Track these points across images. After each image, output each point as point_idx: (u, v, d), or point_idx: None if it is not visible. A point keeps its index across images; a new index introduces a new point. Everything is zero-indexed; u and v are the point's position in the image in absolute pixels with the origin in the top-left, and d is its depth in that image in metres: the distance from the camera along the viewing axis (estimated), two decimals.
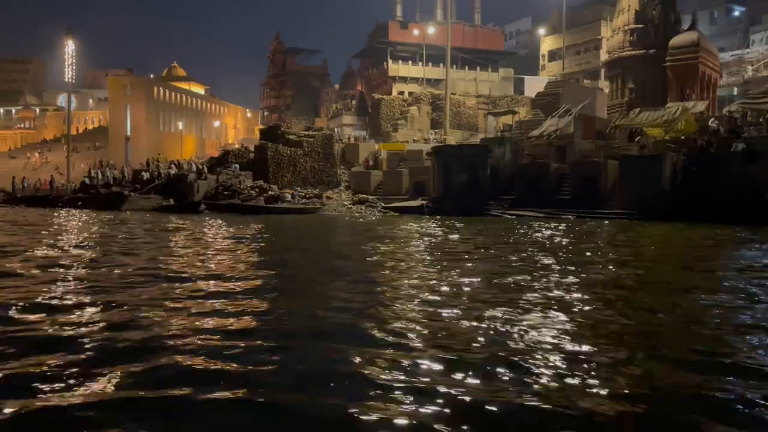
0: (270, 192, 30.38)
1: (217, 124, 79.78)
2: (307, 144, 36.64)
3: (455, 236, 14.03)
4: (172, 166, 35.13)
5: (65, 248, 9.36)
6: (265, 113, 74.84)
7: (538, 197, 26.60)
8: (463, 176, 28.37)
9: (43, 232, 13.39)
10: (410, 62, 52.67)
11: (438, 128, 45.26)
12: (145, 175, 34.94)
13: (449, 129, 41.98)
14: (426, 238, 13.25)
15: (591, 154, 28.83)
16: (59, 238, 11.68)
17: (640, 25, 34.53)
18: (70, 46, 59.93)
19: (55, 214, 24.50)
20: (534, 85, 51.93)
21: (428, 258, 8.82)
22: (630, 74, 34.81)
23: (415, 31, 51.85)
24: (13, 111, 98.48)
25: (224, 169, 33.28)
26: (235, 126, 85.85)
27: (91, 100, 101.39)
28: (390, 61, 52.11)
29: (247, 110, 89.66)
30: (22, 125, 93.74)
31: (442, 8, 55.15)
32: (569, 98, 35.48)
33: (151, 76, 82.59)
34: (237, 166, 34.05)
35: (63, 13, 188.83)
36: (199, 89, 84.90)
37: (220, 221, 20.00)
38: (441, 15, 55.09)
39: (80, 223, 17.66)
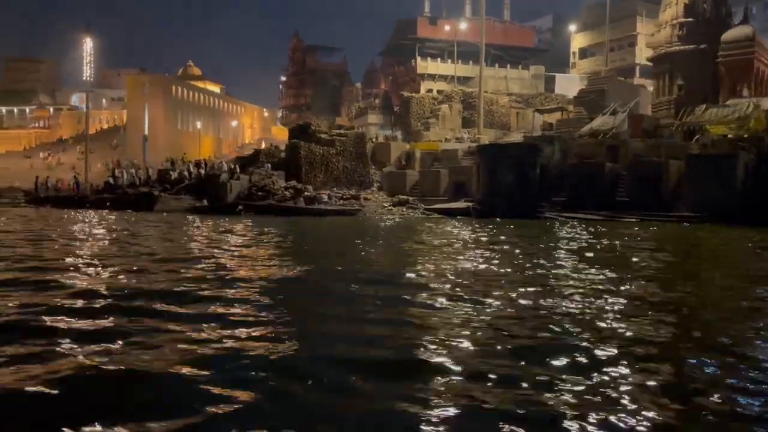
0: (306, 193, 29.10)
1: (234, 123, 78.54)
2: (339, 143, 35.34)
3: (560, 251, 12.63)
4: (203, 165, 33.95)
5: None
6: (284, 112, 73.55)
7: (592, 199, 25.18)
8: (510, 176, 26.91)
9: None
10: (439, 59, 51.20)
11: (469, 127, 43.91)
12: (173, 175, 33.76)
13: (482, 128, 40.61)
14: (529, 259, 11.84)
15: (643, 152, 27.47)
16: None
17: (689, 19, 33.06)
18: (88, 44, 59.05)
19: (96, 216, 23.24)
20: (564, 83, 50.63)
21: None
22: (678, 70, 33.34)
23: (446, 27, 50.34)
24: (27, 110, 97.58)
25: (257, 169, 32.01)
26: (251, 125, 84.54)
27: (104, 100, 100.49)
28: (419, 58, 50.67)
29: (264, 110, 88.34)
30: (37, 125, 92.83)
31: (470, 4, 53.78)
32: (614, 95, 34.10)
33: (165, 75, 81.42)
34: (269, 165, 32.81)
35: (63, 11, 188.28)
36: (214, 88, 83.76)
37: (277, 225, 18.72)
38: (470, 11, 53.68)
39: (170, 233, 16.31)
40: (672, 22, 33.73)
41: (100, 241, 11.28)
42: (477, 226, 19.52)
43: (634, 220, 22.79)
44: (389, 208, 29.10)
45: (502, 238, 14.06)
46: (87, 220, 19.42)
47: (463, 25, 48.93)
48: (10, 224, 16.18)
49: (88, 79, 58.80)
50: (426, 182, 33.21)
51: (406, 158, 38.44)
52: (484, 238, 13.67)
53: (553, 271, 7.37)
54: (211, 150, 68.60)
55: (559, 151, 28.17)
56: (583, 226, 20.34)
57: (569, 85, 49.24)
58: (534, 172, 27.02)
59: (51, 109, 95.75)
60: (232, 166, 32.27)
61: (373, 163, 37.68)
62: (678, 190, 23.97)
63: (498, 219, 23.18)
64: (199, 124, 69.35)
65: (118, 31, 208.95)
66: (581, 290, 5.80)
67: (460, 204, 27.92)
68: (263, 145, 45.60)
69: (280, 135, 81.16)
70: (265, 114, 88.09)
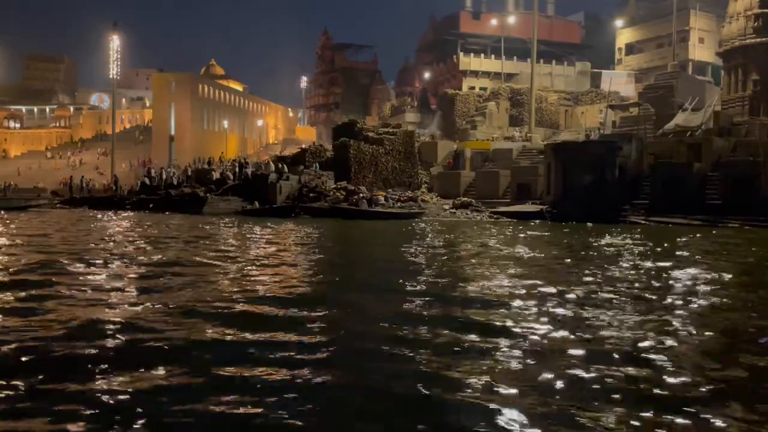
0: (362, 194, 27.30)
1: (260, 123, 76.79)
2: (388, 142, 33.56)
3: None
4: (248, 164, 32.29)
5: None
6: (312, 111, 71.76)
7: (678, 202, 23.20)
8: (587, 177, 24.97)
9: None
10: (482, 55, 49.09)
11: (516, 125, 41.98)
12: (215, 175, 32.08)
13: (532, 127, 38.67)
14: None
15: (727, 152, 25.52)
16: None
17: (765, 10, 30.98)
18: (115, 42, 57.56)
19: (174, 222, 21.46)
20: (611, 80, 48.55)
21: None
22: (753, 64, 31.25)
23: (493, 22, 48.13)
24: (47, 110, 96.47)
25: (306, 169, 30.27)
26: (275, 125, 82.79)
27: (124, 99, 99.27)
28: (461, 54, 48.59)
29: (289, 109, 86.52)
30: (57, 124, 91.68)
31: None
32: (682, 91, 32.05)
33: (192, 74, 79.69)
34: (317, 165, 31.09)
35: (70, 9, 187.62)
36: (238, 87, 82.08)
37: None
38: (512, 5, 51.66)
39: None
40: (745, 13, 31.66)
41: None
42: (578, 234, 17.61)
43: (736, 225, 20.81)
44: (451, 210, 27.23)
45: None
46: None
47: (512, 20, 46.87)
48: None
49: (116, 77, 57.23)
50: (483, 183, 31.39)
51: (454, 158, 36.72)
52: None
53: None
54: (236, 150, 67.04)
55: (635, 150, 26.23)
56: (689, 232, 18.40)
57: (616, 81, 47.20)
58: (612, 173, 25.09)
59: (72, 109, 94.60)
60: (280, 166, 30.50)
61: (420, 163, 35.96)
62: None
63: (589, 224, 21.22)
64: (225, 124, 67.76)
65: (134, 31, 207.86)
66: None
67: (531, 207, 26.00)
68: (305, 145, 43.71)
69: (304, 135, 79.30)
70: (290, 114, 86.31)
